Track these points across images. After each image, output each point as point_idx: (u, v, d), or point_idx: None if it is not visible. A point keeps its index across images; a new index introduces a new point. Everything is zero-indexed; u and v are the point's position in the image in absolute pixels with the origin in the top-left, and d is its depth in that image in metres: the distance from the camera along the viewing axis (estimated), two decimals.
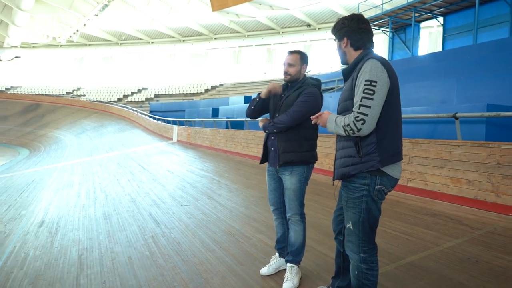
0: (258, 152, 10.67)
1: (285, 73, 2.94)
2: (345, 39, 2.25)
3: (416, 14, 19.87)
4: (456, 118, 4.93)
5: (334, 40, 2.35)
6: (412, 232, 3.92)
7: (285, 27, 39.37)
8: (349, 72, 2.24)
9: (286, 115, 2.83)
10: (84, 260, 4.16)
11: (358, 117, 2.00)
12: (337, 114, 2.29)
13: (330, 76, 21.32)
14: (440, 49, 20.71)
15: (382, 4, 22.42)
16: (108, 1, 38.70)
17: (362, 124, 2.00)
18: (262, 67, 40.26)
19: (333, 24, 2.34)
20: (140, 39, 46.58)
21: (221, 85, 38.40)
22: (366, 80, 2.02)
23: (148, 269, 3.57)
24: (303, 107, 2.81)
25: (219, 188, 7.05)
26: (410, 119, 5.71)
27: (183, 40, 45.59)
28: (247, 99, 19.55)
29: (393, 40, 22.84)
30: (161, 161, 12.03)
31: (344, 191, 2.25)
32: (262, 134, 10.67)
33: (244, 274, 3.21)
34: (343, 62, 2.34)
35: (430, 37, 28.91)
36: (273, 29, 39.65)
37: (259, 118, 3.20)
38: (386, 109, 2.05)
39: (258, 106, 3.07)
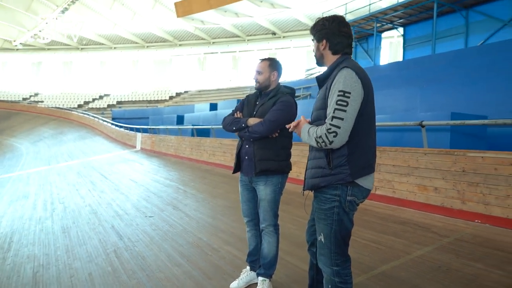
0: (225, 160, 10.51)
1: (255, 81, 2.87)
2: (324, 41, 2.16)
3: (378, 25, 20.46)
4: (423, 126, 5.02)
5: (312, 40, 2.26)
6: (382, 241, 3.91)
7: (251, 35, 39.53)
8: (324, 79, 2.16)
9: (261, 125, 2.73)
10: (39, 278, 3.87)
11: (330, 129, 1.92)
12: (311, 122, 2.21)
13: (295, 84, 21.51)
14: (401, 59, 21.40)
15: (345, 14, 22.93)
16: (68, 5, 37.52)
17: (334, 136, 1.92)
18: (227, 74, 40.19)
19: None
20: (102, 44, 45.33)
21: (186, 92, 37.98)
22: (339, 91, 1.94)
23: (110, 287, 3.35)
24: (278, 116, 2.73)
25: (185, 198, 6.85)
26: (377, 127, 5.74)
27: (147, 46, 44.78)
28: (212, 106, 19.36)
29: (355, 49, 23.38)
30: (124, 170, 11.62)
31: (315, 202, 2.17)
32: (228, 142, 10.52)
33: None
34: (319, 64, 2.25)
35: (391, 47, 29.85)
36: (239, 36, 39.71)
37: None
38: (358, 121, 1.98)
39: (240, 128, 2.87)
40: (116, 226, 5.37)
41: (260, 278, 2.92)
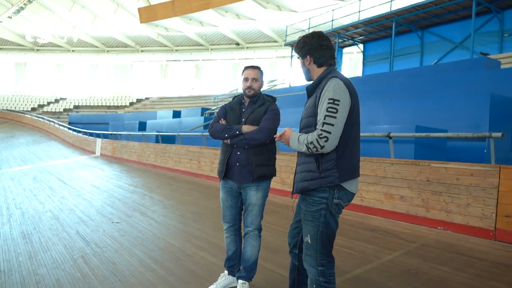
0: (191, 167, 10.43)
1: (249, 87, 2.91)
2: (308, 56, 2.28)
3: (340, 40, 21.21)
4: (390, 138, 5.28)
5: (298, 58, 2.38)
6: (354, 246, 4.06)
7: (214, 44, 39.66)
8: (313, 89, 2.27)
9: (259, 133, 2.80)
10: (2, 284, 3.64)
11: (321, 134, 2.03)
12: (300, 129, 2.31)
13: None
14: (360, 74, 22.27)
15: (309, 28, 23.59)
16: (24, 4, 35.96)
17: (326, 141, 2.03)
18: (190, 82, 39.97)
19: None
20: (60, 46, 43.71)
21: (147, 98, 37.35)
22: (329, 99, 2.06)
23: None
24: (272, 124, 2.84)
25: (153, 204, 6.73)
26: None
27: (107, 51, 43.71)
28: (176, 113, 19.22)
29: None
30: (85, 175, 11.23)
31: (303, 205, 2.25)
32: (195, 150, 10.47)
33: None
34: (308, 79, 2.37)
35: (351, 62, 30.95)
36: (202, 45, 39.70)
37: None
38: (346, 128, 2.09)
39: (233, 136, 2.88)
40: (81, 232, 5.18)
41: (240, 281, 2.95)
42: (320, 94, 2.13)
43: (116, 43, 42.65)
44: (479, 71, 8.56)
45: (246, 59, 38.23)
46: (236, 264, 3.12)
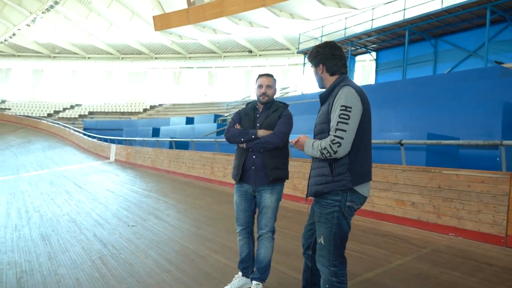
0: (204, 173, 10.58)
1: (264, 94, 3.05)
2: (321, 65, 2.39)
3: (352, 48, 21.26)
4: (402, 145, 5.35)
5: (311, 66, 2.49)
6: (365, 251, 4.12)
7: (227, 51, 40.02)
8: (326, 96, 2.38)
9: (275, 136, 2.92)
10: (24, 283, 3.77)
11: (334, 140, 2.13)
12: (314, 135, 2.42)
13: None
14: (373, 82, 22.26)
15: (321, 36, 23.72)
16: (42, 12, 36.85)
17: (338, 146, 2.12)
18: (202, 89, 40.34)
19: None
20: (75, 53, 44.61)
21: (160, 105, 37.80)
22: (341, 106, 2.16)
23: None
24: (287, 128, 2.97)
25: (167, 209, 6.87)
26: None
27: (122, 58, 44.44)
28: (189, 120, 19.48)
29: None
30: (100, 180, 11.46)
31: (317, 207, 2.34)
32: (208, 156, 10.62)
33: None
34: (321, 87, 2.48)
35: (363, 70, 30.94)
36: (215, 52, 40.10)
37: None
38: (358, 134, 2.19)
39: (249, 140, 3.00)
40: (99, 234, 5.32)
41: (254, 282, 3.04)
42: (333, 101, 2.24)
43: (131, 50, 43.35)
44: (492, 79, 8.56)
45: (258, 66, 38.50)
46: (250, 266, 3.21)
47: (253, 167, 3.01)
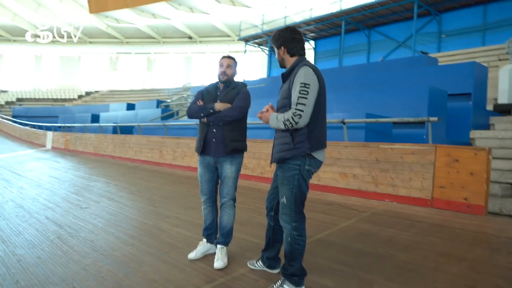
0: (153, 157, 10.59)
1: (223, 73, 3.31)
2: (282, 47, 2.72)
3: None
4: (344, 123, 5.88)
5: (273, 48, 2.81)
6: (314, 217, 4.57)
7: (166, 37, 39.18)
8: (287, 75, 2.71)
9: (233, 110, 3.20)
10: None
11: (296, 112, 2.46)
12: (277, 109, 2.74)
13: None
14: None
15: (262, 24, 24.14)
16: None
17: (299, 118, 2.46)
18: (141, 75, 39.22)
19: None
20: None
21: (96, 91, 36.22)
22: (301, 83, 2.49)
23: (66, 266, 3.39)
24: (244, 103, 3.25)
25: (119, 191, 6.89)
26: None
27: (52, 41, 41.69)
28: (130, 106, 19.12)
29: (270, 58, 24.68)
30: (39, 167, 10.98)
31: (280, 171, 2.68)
32: (157, 139, 10.62)
33: (172, 260, 3.34)
34: (282, 67, 2.81)
35: None
36: (154, 38, 39.08)
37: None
38: (315, 107, 2.54)
39: (207, 114, 3.25)
40: (51, 217, 5.22)
41: (219, 246, 3.32)
42: (293, 79, 2.57)
43: (62, 34, 40.81)
44: (419, 67, 9.45)
45: (199, 53, 38.20)
46: (213, 232, 3.49)
47: (213, 140, 3.27)
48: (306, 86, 2.48)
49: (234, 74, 3.40)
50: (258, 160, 7.46)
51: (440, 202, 4.77)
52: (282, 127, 2.53)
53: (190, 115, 3.38)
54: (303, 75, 2.51)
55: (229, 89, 3.34)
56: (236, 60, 3.48)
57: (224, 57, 3.41)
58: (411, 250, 3.41)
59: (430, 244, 3.59)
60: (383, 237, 3.76)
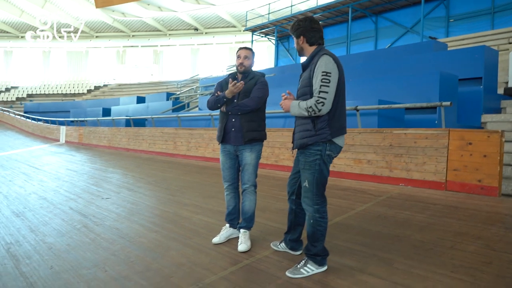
0: (167, 148, 10.77)
1: (241, 64, 3.41)
2: (302, 37, 2.82)
3: None
4: (357, 110, 5.97)
5: (292, 37, 2.91)
6: (331, 202, 4.65)
7: (172, 29, 39.19)
8: (307, 64, 2.81)
9: (251, 100, 3.31)
10: (15, 252, 3.82)
11: (318, 100, 2.57)
12: (297, 97, 2.85)
13: (219, 79, 22.07)
14: None
15: (268, 14, 24.06)
16: None
17: (322, 105, 2.57)
18: (148, 68, 39.33)
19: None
20: (7, 32, 41.45)
21: (105, 85, 36.47)
22: (322, 72, 2.60)
23: (95, 252, 3.54)
24: (262, 93, 3.36)
25: (136, 182, 7.07)
26: None
27: (60, 36, 41.93)
28: (140, 99, 19.28)
29: (277, 48, 24.64)
30: (56, 161, 11.23)
31: (302, 157, 2.80)
32: (170, 131, 10.79)
33: (196, 245, 3.49)
34: (300, 55, 2.91)
35: None
36: (160, 30, 39.12)
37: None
38: (335, 95, 2.64)
39: (223, 103, 3.39)
40: (75, 207, 5.38)
41: (242, 230, 3.46)
42: (314, 68, 2.67)
43: (69, 29, 41.01)
44: (429, 53, 9.45)
45: (205, 44, 38.18)
46: (236, 217, 3.63)
47: (233, 129, 3.39)
48: (328, 74, 2.59)
49: (251, 64, 3.50)
50: (272, 148, 7.60)
51: (454, 184, 4.88)
52: (305, 114, 2.63)
53: (210, 107, 3.51)
54: (324, 64, 2.61)
55: (247, 79, 3.45)
56: (253, 50, 3.58)
57: (241, 48, 3.50)
58: (427, 231, 3.53)
59: (445, 224, 3.70)
60: (399, 219, 3.88)
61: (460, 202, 4.51)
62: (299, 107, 2.67)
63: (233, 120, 3.40)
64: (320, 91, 2.57)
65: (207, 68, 35.53)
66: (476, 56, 7.66)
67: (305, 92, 2.73)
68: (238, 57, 3.45)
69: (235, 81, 3.29)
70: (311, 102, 2.59)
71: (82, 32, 40.54)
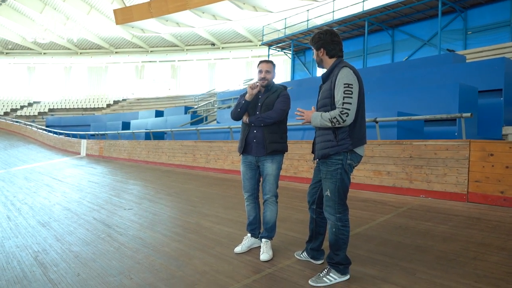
0: (186, 160, 10.92)
1: (263, 78, 3.50)
2: (322, 49, 2.90)
3: None
4: (376, 122, 6.00)
5: (312, 49, 2.99)
6: (351, 213, 4.61)
7: (189, 45, 39.88)
8: (327, 76, 2.89)
9: (274, 112, 3.39)
10: (43, 260, 3.94)
11: (343, 111, 2.63)
12: (317, 108, 2.92)
13: (235, 93, 22.25)
14: None
15: (285, 28, 24.32)
16: None
17: (347, 116, 2.63)
18: (166, 83, 39.98)
19: (311, 38, 2.98)
20: (30, 49, 42.87)
21: (124, 100, 37.19)
22: (345, 84, 2.67)
23: (120, 260, 3.62)
24: (285, 106, 3.43)
25: (157, 193, 7.19)
26: None
27: (80, 53, 43.19)
28: (158, 113, 19.62)
29: (294, 62, 24.81)
30: (78, 173, 11.50)
31: (323, 166, 2.85)
32: (190, 144, 10.95)
33: (219, 254, 3.55)
34: (320, 67, 3.00)
35: None
36: (177, 46, 39.85)
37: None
38: (356, 105, 2.71)
39: (244, 108, 3.49)
40: (98, 218, 5.52)
41: (263, 240, 3.51)
42: (335, 80, 2.74)
43: (90, 45, 42.23)
44: (447, 65, 9.43)
45: (222, 59, 38.67)
46: (257, 227, 3.68)
47: (254, 140, 3.47)
48: (350, 86, 2.66)
49: (273, 77, 3.59)
50: (291, 160, 7.65)
51: (476, 196, 4.83)
52: (329, 124, 2.69)
53: (233, 117, 3.59)
54: (345, 76, 2.68)
55: (270, 92, 3.53)
56: (274, 63, 3.67)
57: (262, 61, 3.57)
58: (449, 242, 3.52)
59: (468, 235, 3.68)
60: (421, 230, 3.87)
61: (482, 213, 4.47)
62: (321, 118, 2.73)
63: (255, 131, 3.47)
64: (343, 103, 2.63)
65: (224, 82, 35.94)
66: (495, 67, 7.62)
67: (326, 104, 2.79)
68: (260, 71, 3.52)
69: (253, 83, 3.40)
70: (335, 113, 2.65)
71: (102, 48, 41.78)
